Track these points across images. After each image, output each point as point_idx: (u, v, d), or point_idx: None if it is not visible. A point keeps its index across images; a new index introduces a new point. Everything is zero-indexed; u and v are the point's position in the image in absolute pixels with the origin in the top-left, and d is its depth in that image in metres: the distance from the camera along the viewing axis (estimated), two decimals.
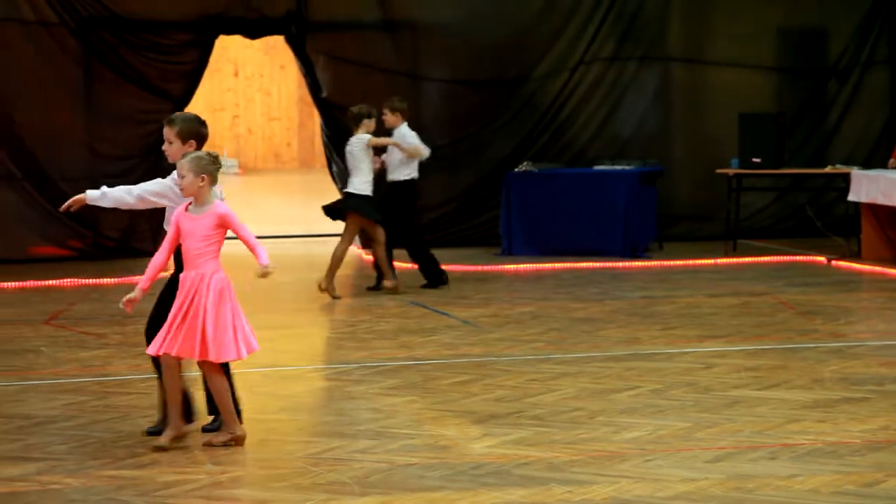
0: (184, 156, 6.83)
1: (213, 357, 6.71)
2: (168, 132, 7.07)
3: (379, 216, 12.19)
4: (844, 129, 17.18)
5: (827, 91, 17.25)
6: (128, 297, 6.70)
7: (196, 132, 7.07)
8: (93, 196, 7.09)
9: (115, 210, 17.52)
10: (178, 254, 6.91)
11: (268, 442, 6.99)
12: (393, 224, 12.40)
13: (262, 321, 11.24)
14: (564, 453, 6.58)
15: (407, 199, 12.67)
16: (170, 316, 6.74)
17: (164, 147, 7.11)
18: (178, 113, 7.31)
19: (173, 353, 6.71)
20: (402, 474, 6.25)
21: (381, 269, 12.39)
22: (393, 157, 12.59)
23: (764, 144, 15.42)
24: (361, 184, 12.15)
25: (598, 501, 5.80)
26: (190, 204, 6.82)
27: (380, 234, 12.24)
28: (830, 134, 17.20)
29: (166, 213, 7.03)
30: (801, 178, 16.30)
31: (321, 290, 12.13)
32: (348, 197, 12.33)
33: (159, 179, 7.14)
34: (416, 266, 12.84)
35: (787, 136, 16.00)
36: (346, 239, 12.30)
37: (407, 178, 12.61)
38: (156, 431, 6.94)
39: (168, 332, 6.71)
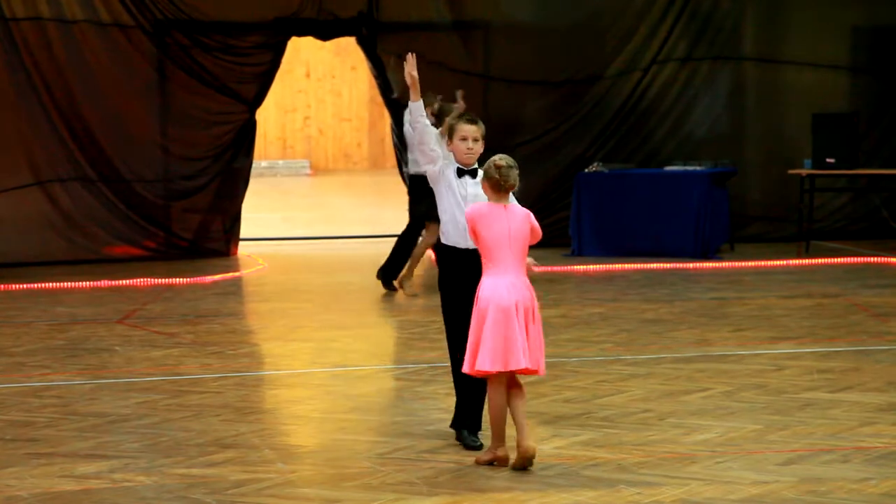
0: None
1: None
2: (477, 131, 7.13)
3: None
4: None
5: None
6: None
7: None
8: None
9: (188, 211, 17.57)
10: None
11: (338, 441, 7.02)
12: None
13: (333, 321, 11.31)
14: (634, 455, 6.55)
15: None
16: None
17: (471, 146, 7.11)
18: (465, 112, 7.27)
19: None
20: (470, 475, 6.26)
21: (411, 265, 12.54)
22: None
23: (838, 145, 15.25)
24: None
25: (668, 503, 5.78)
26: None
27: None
28: None
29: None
30: (876, 178, 16.10)
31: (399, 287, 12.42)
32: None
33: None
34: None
35: (861, 136, 15.82)
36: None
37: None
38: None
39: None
